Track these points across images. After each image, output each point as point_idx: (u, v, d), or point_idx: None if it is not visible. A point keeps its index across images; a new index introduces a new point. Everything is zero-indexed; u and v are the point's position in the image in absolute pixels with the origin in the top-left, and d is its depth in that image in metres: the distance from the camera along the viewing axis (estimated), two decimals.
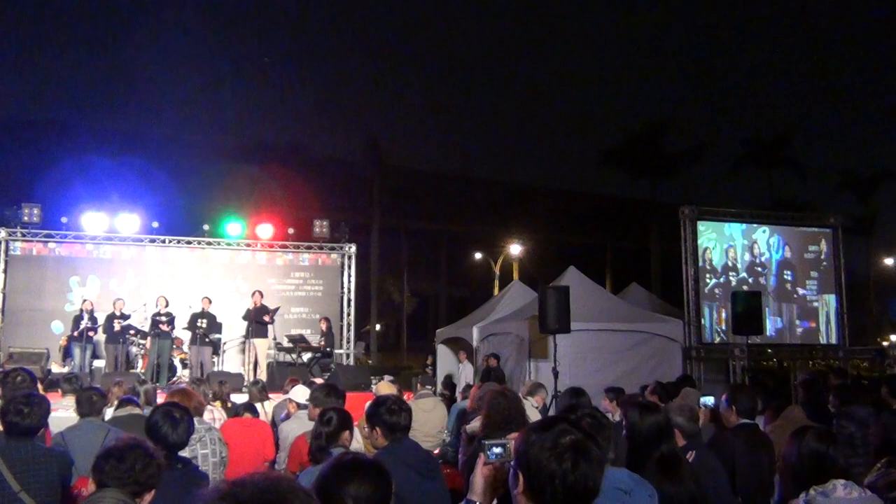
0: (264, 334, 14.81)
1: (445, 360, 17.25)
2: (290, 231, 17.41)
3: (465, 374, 14.96)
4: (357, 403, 6.59)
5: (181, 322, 14.47)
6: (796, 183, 35.30)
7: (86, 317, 13.80)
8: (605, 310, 13.65)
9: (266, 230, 17.16)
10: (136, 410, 5.67)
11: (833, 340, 15.63)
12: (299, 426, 5.46)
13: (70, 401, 5.96)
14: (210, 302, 14.66)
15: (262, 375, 13.79)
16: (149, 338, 13.95)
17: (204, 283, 16.10)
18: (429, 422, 7.18)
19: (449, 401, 11.00)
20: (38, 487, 3.83)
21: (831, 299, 15.67)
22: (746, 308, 12.69)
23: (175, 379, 13.60)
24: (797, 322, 15.42)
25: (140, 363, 14.35)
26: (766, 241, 15.43)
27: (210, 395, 7.33)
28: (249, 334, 14.79)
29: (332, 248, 17.77)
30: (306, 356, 15.09)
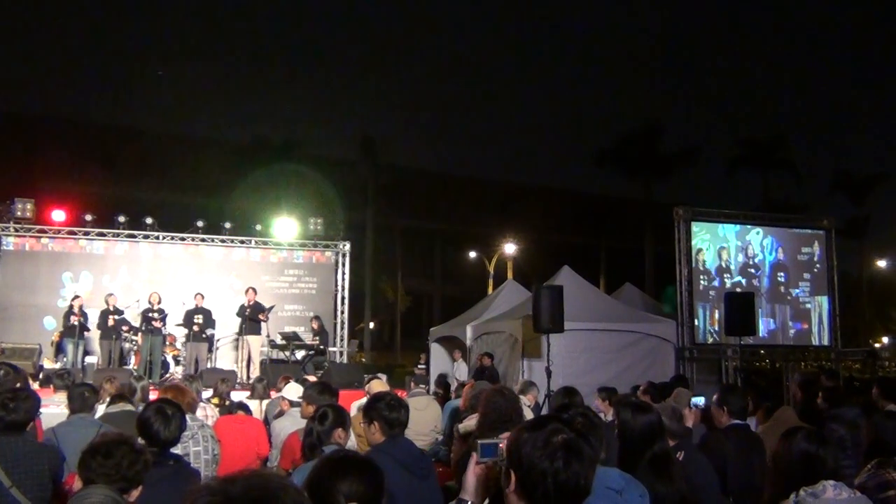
0: (258, 331, 14.79)
1: (439, 358, 17.25)
2: (285, 228, 17.39)
3: (459, 372, 14.97)
4: (350, 401, 6.59)
5: (174, 318, 14.46)
6: (790, 184, 35.38)
7: (77, 312, 13.76)
8: (599, 310, 13.66)
9: (260, 227, 17.16)
10: (129, 407, 5.65)
11: (825, 342, 15.67)
12: (292, 424, 5.46)
13: (62, 397, 5.94)
14: (203, 298, 14.64)
15: (255, 373, 13.78)
16: (140, 334, 13.92)
17: (197, 280, 16.07)
18: (422, 420, 7.17)
19: (442, 399, 10.99)
20: (30, 483, 3.82)
21: (824, 301, 15.71)
22: (739, 309, 12.73)
23: (167, 375, 13.59)
24: (790, 323, 15.46)
25: (133, 359, 14.32)
26: (759, 243, 15.46)
27: (202, 392, 7.30)
28: (243, 331, 14.77)
29: (327, 246, 17.76)
30: (300, 354, 15.08)
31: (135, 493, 2.97)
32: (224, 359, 15.66)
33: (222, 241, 17.04)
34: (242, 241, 17.20)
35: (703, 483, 3.84)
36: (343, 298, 17.65)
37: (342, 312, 17.59)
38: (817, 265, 15.80)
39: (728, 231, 15.27)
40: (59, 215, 15.94)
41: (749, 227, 15.50)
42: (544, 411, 9.36)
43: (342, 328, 17.53)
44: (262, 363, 14.50)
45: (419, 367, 19.60)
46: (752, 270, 15.28)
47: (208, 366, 14.19)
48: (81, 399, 5.05)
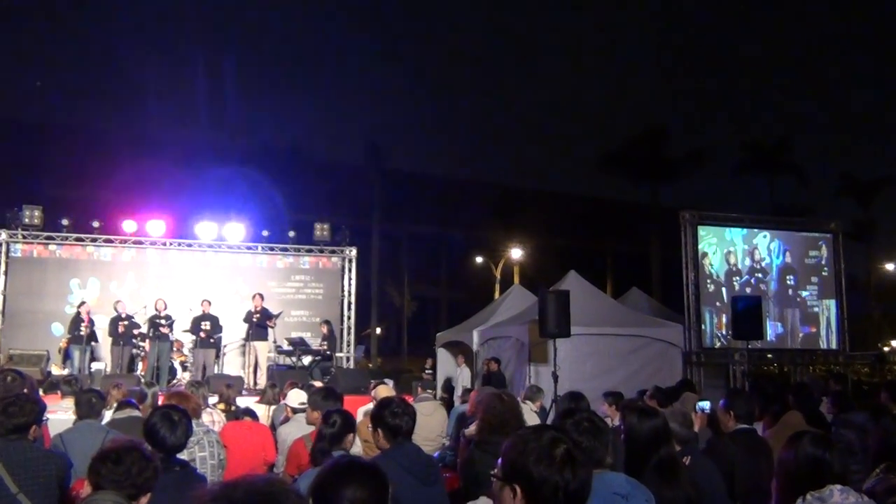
0: (265, 337, 14.81)
1: (446, 363, 17.25)
2: (291, 234, 17.43)
3: (463, 377, 14.97)
4: (356, 407, 6.59)
5: (181, 325, 14.50)
6: (797, 188, 35.27)
7: (85, 319, 13.80)
8: (606, 314, 13.64)
9: (267, 233, 17.19)
10: (135, 413, 5.67)
11: (833, 346, 15.62)
12: (297, 429, 5.47)
13: (69, 403, 5.96)
14: (210, 304, 14.67)
15: (262, 378, 13.79)
16: (148, 340, 13.96)
17: (204, 286, 16.11)
18: (428, 426, 7.16)
19: (448, 404, 11.00)
20: (37, 489, 3.83)
21: (832, 304, 15.66)
22: (746, 313, 12.68)
23: (175, 381, 13.62)
24: (798, 327, 15.41)
25: (140, 365, 14.36)
26: (766, 247, 15.43)
27: (209, 398, 7.32)
28: (250, 337, 14.79)
29: (333, 252, 17.78)
30: (306, 359, 15.09)
31: (143, 500, 2.97)
32: (231, 364, 15.68)
33: (229, 247, 17.09)
34: (249, 248, 17.24)
35: (710, 488, 3.83)
36: (349, 304, 17.67)
37: (349, 318, 17.61)
38: (825, 268, 15.75)
39: (735, 235, 15.24)
40: (66, 222, 16.00)
41: (756, 230, 15.47)
42: (551, 416, 9.36)
43: (349, 333, 17.55)
44: (269, 369, 14.52)
45: (426, 372, 19.60)
46: (760, 274, 15.24)
47: (215, 371, 14.21)
48: (88, 405, 5.07)
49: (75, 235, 16.08)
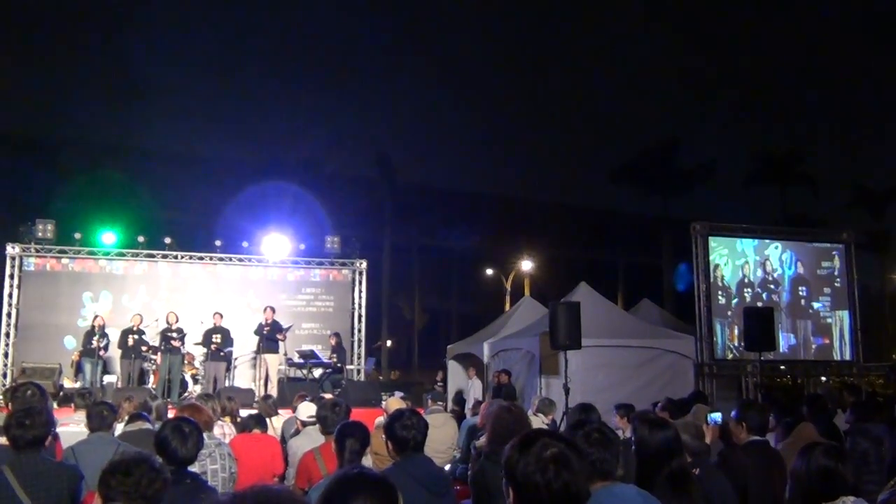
0: (275, 350, 14.84)
1: (456, 376, 17.21)
2: (302, 247, 17.48)
3: (475, 390, 14.93)
4: (367, 419, 6.59)
5: (192, 338, 14.56)
6: (809, 199, 35.09)
7: (97, 332, 13.88)
8: (617, 326, 13.59)
9: (277, 246, 17.24)
10: (147, 426, 5.68)
11: (847, 357, 15.48)
12: (307, 442, 5.46)
13: (82, 415, 5.98)
14: (221, 317, 14.73)
15: (273, 391, 13.81)
16: (159, 353, 14.01)
17: (215, 299, 16.18)
18: (439, 438, 7.14)
19: (459, 417, 10.97)
20: (49, 501, 3.84)
21: (845, 315, 15.53)
22: (758, 324, 12.60)
23: (186, 394, 13.66)
24: (811, 339, 15.29)
25: (151, 378, 14.41)
26: (778, 257, 15.34)
27: (219, 411, 7.33)
28: (260, 350, 14.82)
29: (344, 264, 17.81)
30: (317, 372, 15.10)
31: None
32: (242, 377, 15.72)
33: (240, 259, 17.16)
34: (260, 260, 17.30)
35: (722, 500, 3.80)
36: (360, 316, 17.67)
37: (359, 330, 17.61)
38: (837, 279, 15.64)
39: (746, 246, 15.16)
40: (79, 236, 16.12)
41: (768, 241, 15.39)
42: (562, 428, 9.32)
43: (359, 346, 17.55)
44: (279, 381, 14.54)
45: (437, 384, 19.57)
46: (772, 285, 15.16)
47: (226, 384, 14.25)
48: (100, 418, 5.08)
49: (88, 249, 16.19)
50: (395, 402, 7.25)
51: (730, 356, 14.45)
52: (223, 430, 6.53)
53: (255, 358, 15.42)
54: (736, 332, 14.39)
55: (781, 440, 5.78)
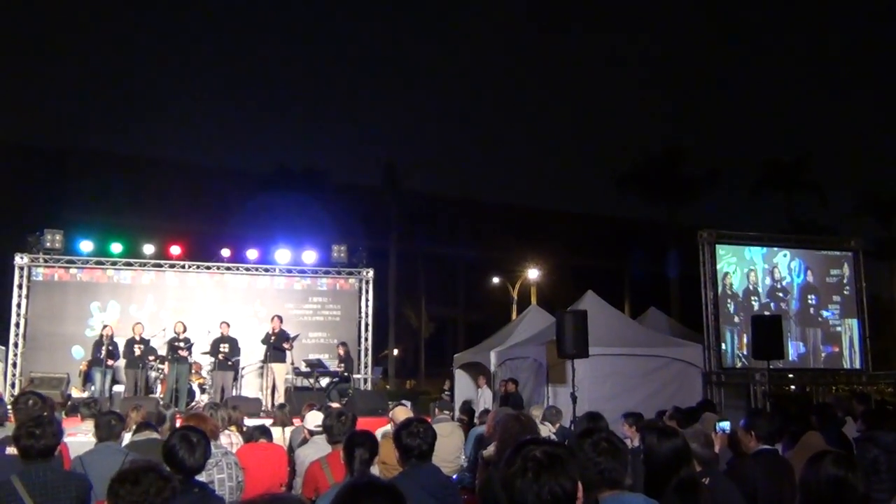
0: (282, 359, 14.84)
1: (463, 385, 17.18)
2: (309, 256, 17.50)
3: (484, 399, 14.90)
4: (374, 429, 6.59)
5: (200, 347, 14.58)
6: (816, 206, 34.92)
7: (106, 342, 13.91)
8: (624, 334, 13.56)
9: (284, 255, 17.27)
10: (154, 435, 5.69)
11: (857, 365, 15.42)
12: (315, 451, 5.46)
13: (89, 425, 5.99)
14: (229, 326, 14.76)
15: (280, 400, 13.81)
16: (166, 363, 14.04)
17: (222, 308, 16.21)
18: (446, 447, 7.13)
19: (467, 426, 10.94)
20: None
21: (854, 324, 15.47)
22: (766, 332, 12.56)
23: (194, 404, 13.67)
24: (820, 347, 15.23)
25: (159, 388, 14.43)
26: (786, 266, 15.29)
27: (225, 420, 7.34)
28: (268, 359, 14.83)
29: (350, 273, 17.82)
30: (324, 381, 15.10)
31: None
32: (249, 386, 15.72)
33: (247, 269, 17.20)
34: (267, 270, 17.34)
35: None
36: (367, 325, 17.66)
37: (366, 339, 17.60)
38: (847, 287, 15.58)
39: (755, 254, 15.13)
40: (87, 246, 16.19)
41: (776, 249, 15.35)
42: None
43: (366, 355, 17.53)
44: (286, 391, 14.54)
45: (444, 393, 19.54)
46: (780, 294, 15.10)
47: (233, 394, 14.26)
48: (108, 427, 5.09)
49: (96, 259, 16.25)
50: (401, 412, 7.24)
51: (739, 364, 14.40)
52: (230, 439, 6.53)
53: (262, 367, 15.42)
54: (745, 340, 14.35)
55: (789, 449, 5.76)
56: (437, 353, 39.62)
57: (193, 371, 14.63)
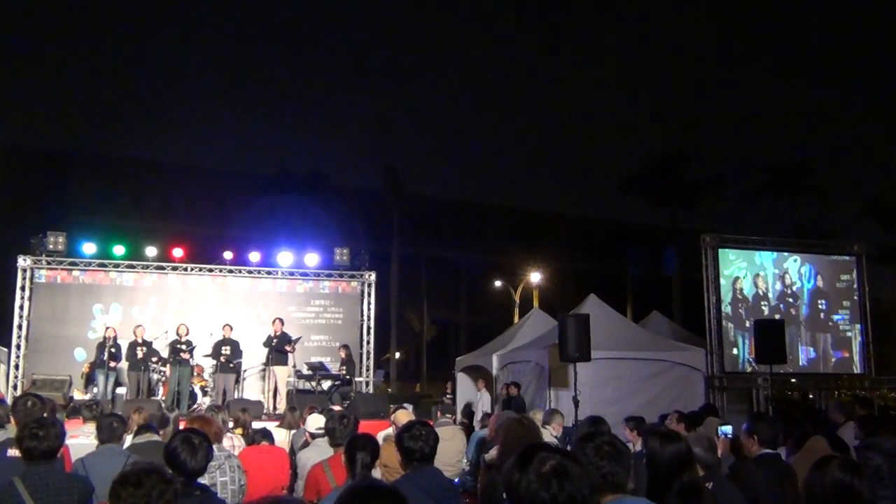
0: (284, 362, 14.84)
1: (465, 388, 17.18)
2: (311, 258, 17.50)
3: (483, 402, 14.90)
4: (375, 432, 6.58)
5: (202, 349, 14.59)
6: (819, 210, 34.88)
7: (108, 344, 13.91)
8: (626, 338, 13.54)
9: (286, 258, 17.28)
10: (155, 437, 5.69)
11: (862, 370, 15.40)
12: (317, 454, 5.45)
13: (91, 427, 5.99)
14: (231, 329, 14.76)
15: (282, 403, 13.81)
16: (168, 365, 14.04)
17: (225, 311, 16.22)
18: (448, 450, 7.12)
19: (468, 429, 10.94)
20: None
21: (858, 328, 15.44)
22: (769, 337, 12.52)
23: (195, 406, 13.67)
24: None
25: (161, 390, 14.43)
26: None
27: (230, 423, 7.34)
28: (269, 362, 14.83)
29: (352, 276, 17.81)
30: (326, 384, 15.09)
31: None
32: (251, 389, 15.72)
33: (249, 272, 17.20)
34: (269, 272, 17.34)
35: None
36: (369, 328, 17.64)
37: (368, 342, 17.58)
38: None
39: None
40: (89, 248, 16.20)
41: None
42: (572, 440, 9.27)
43: (368, 358, 17.51)
44: (288, 393, 14.53)
45: (446, 396, 19.52)
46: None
47: (235, 396, 14.26)
48: (110, 429, 5.09)
49: (98, 261, 16.26)
50: (403, 415, 7.23)
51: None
52: (232, 442, 6.53)
53: (264, 370, 15.43)
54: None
55: (792, 453, 5.74)
56: (439, 357, 39.61)
57: (195, 373, 14.64)
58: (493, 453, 5.07)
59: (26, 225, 20.18)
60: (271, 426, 8.79)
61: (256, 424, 8.56)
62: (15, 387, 15.07)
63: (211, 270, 17.00)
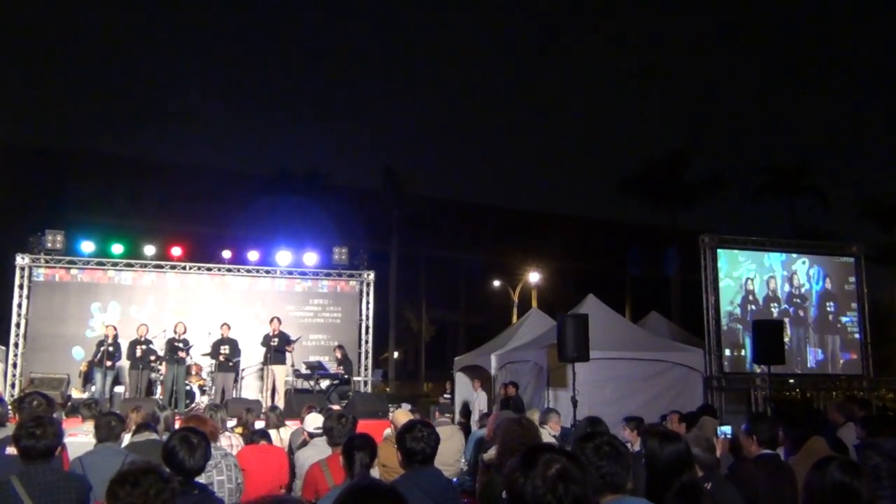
0: (283, 361, 14.82)
1: (463, 388, 17.17)
2: (310, 258, 17.49)
3: (479, 402, 14.89)
4: (374, 431, 6.57)
5: (200, 348, 14.56)
6: (818, 211, 34.90)
7: (107, 343, 13.89)
8: (625, 338, 13.53)
9: (285, 257, 17.27)
10: (154, 436, 5.68)
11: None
12: (315, 453, 5.44)
13: (89, 426, 5.98)
14: (229, 328, 14.74)
15: (280, 402, 13.80)
16: (165, 364, 14.02)
17: (223, 310, 16.21)
18: (446, 450, 7.10)
19: (466, 429, 10.94)
20: None
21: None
22: (767, 337, 12.51)
23: (193, 405, 13.64)
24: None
25: (159, 389, 14.42)
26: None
27: (229, 422, 7.33)
28: (268, 361, 14.81)
29: (351, 276, 17.80)
30: (324, 383, 15.08)
31: None
32: (249, 388, 15.71)
33: (248, 271, 17.19)
34: (268, 272, 17.33)
35: None
36: (367, 328, 17.64)
37: (366, 342, 17.58)
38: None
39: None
40: (88, 246, 16.18)
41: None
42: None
43: (366, 358, 17.50)
44: (286, 392, 14.52)
45: (444, 396, 19.52)
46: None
47: (234, 395, 14.24)
48: (108, 428, 5.08)
49: (97, 259, 16.25)
50: (401, 415, 7.23)
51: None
52: (230, 441, 6.52)
53: (262, 369, 15.40)
54: None
55: (791, 454, 5.73)
56: (437, 356, 39.63)
57: (194, 372, 14.62)
58: (491, 453, 5.06)
59: (25, 223, 20.15)
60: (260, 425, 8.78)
61: (257, 424, 8.56)
62: (13, 385, 15.06)
63: (209, 269, 16.99)
